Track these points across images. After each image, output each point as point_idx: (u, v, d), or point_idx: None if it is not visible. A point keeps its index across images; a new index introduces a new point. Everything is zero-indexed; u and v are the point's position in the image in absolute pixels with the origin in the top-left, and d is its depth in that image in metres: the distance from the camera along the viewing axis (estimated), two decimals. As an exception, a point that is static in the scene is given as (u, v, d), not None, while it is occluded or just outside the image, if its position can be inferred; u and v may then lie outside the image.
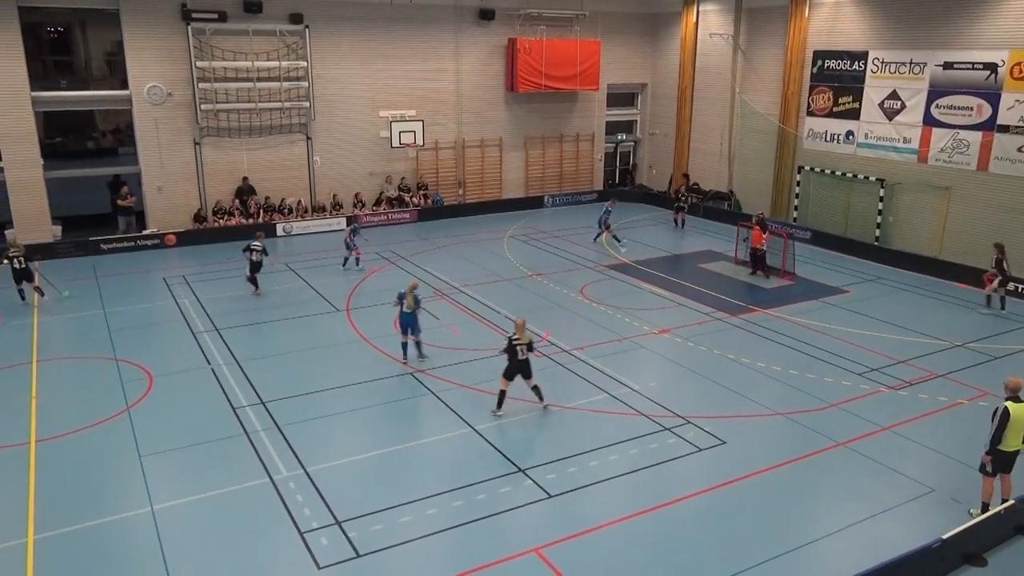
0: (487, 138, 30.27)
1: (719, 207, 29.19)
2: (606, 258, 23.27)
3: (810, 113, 26.12)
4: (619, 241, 24.21)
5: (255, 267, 19.44)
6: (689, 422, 12.81)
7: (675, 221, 27.48)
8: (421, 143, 28.14)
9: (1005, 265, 18.30)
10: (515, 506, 10.45)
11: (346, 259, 21.85)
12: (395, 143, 27.67)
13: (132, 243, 24.13)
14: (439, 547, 9.65)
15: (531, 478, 11.10)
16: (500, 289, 20.10)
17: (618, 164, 34.58)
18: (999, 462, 9.92)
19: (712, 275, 21.30)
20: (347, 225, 21.02)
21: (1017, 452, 9.93)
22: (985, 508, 9.94)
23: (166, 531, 9.85)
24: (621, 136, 33.87)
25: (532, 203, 31.13)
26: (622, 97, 33.52)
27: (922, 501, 10.50)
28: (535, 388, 13.11)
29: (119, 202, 24.68)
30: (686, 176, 31.29)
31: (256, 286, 19.55)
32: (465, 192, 30.32)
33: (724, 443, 12.16)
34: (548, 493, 10.73)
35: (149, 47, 24.10)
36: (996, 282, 18.33)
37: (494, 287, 20.30)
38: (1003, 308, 18.51)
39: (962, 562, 9.25)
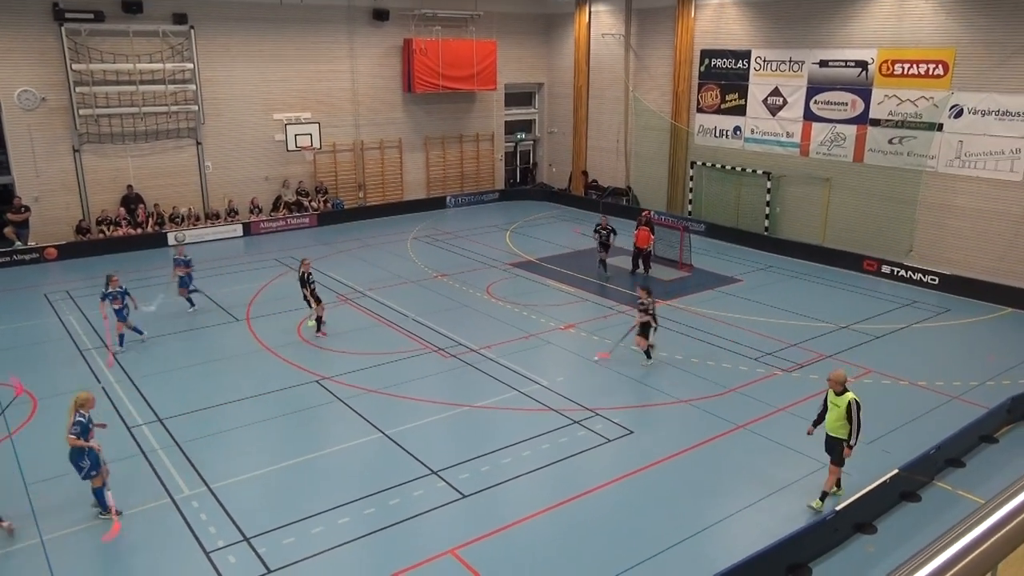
0: (386, 139, 29.95)
1: (618, 203, 29.91)
2: (510, 256, 23.45)
3: (700, 110, 27.11)
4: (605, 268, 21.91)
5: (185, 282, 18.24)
6: (597, 414, 13.08)
7: (601, 264, 21.52)
8: (318, 146, 27.58)
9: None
10: (429, 508, 10.40)
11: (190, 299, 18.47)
12: (291, 146, 27.00)
13: (8, 258, 22.58)
14: (354, 556, 9.50)
15: (444, 479, 11.07)
16: (406, 291, 19.94)
17: (519, 163, 34.91)
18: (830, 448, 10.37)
19: (613, 269, 21.79)
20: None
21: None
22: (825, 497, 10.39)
23: (58, 563, 9.28)
24: (520, 135, 34.20)
25: (434, 204, 31.02)
26: (520, 96, 33.86)
27: (817, 476, 11.08)
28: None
29: (10, 216, 23.01)
30: (584, 174, 31.92)
31: (192, 303, 18.39)
32: (366, 195, 29.90)
33: (631, 433, 12.48)
34: (462, 493, 10.73)
35: (18, 49, 22.61)
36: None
37: (400, 289, 20.12)
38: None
39: (854, 531, 9.82)
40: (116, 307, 15.71)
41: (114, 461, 11.51)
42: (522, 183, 34.76)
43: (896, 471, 10.42)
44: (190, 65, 24.90)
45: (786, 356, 15.66)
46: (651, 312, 14.92)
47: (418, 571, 9.14)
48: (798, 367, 15.12)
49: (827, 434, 10.29)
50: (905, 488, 10.60)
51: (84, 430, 9.74)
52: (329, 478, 11.21)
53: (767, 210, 25.05)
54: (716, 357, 15.58)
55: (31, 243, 23.25)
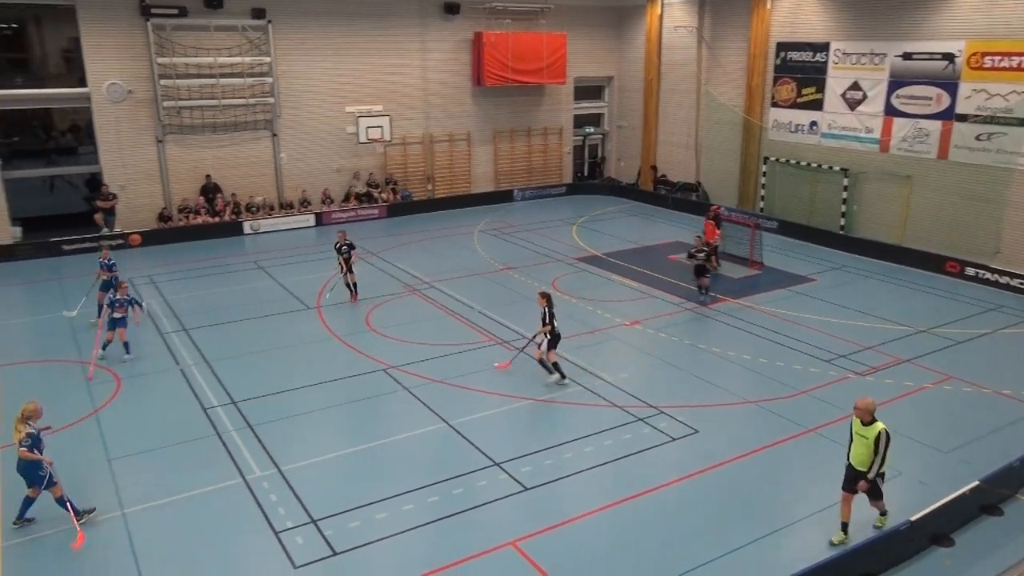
0: (455, 132, 30.17)
1: (687, 198, 29.44)
2: (576, 251, 23.35)
3: (774, 104, 26.44)
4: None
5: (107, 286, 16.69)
6: (662, 412, 12.93)
7: (700, 289, 18.74)
8: (389, 138, 27.98)
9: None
10: (491, 500, 10.47)
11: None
12: (362, 139, 27.46)
13: (96, 243, 23.64)
14: (416, 542, 9.64)
15: (506, 471, 11.12)
16: (472, 283, 20.08)
17: (587, 157, 34.70)
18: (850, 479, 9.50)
19: (681, 266, 21.45)
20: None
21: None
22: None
23: (138, 535, 9.71)
24: (589, 129, 33.99)
25: (501, 197, 31.11)
26: (589, 90, 33.62)
27: (890, 485, 10.69)
28: None
29: (99, 203, 24.14)
30: (653, 168, 31.53)
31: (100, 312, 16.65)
32: (434, 187, 30.20)
33: (696, 432, 12.29)
34: (524, 486, 10.77)
35: (107, 43, 23.61)
36: None
37: (465, 281, 20.27)
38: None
39: (930, 543, 9.46)
40: (119, 315, 15.02)
41: (191, 441, 12.01)
42: (590, 177, 34.55)
43: (977, 483, 9.99)
44: (267, 59, 25.57)
45: (860, 359, 15.16)
46: (706, 255, 16.65)
47: (480, 561, 9.22)
48: (873, 371, 14.63)
49: (849, 465, 9.38)
50: (986, 501, 10.16)
51: (35, 442, 9.57)
52: (394, 465, 11.39)
53: (843, 208, 24.27)
54: (786, 358, 15.21)
55: (117, 229, 24.30)
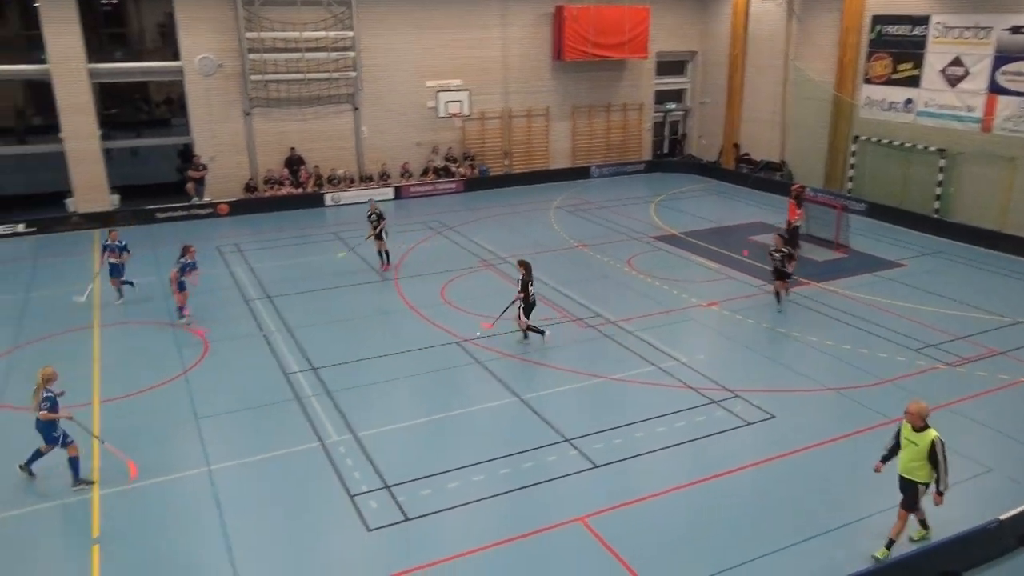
0: (534, 108, 30.03)
1: (771, 177, 28.58)
2: (653, 229, 23.01)
3: (867, 81, 25.28)
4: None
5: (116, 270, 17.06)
6: (737, 396, 12.69)
7: (776, 296, 16.64)
8: (467, 113, 28.07)
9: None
10: (561, 475, 10.51)
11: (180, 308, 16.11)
12: (441, 113, 27.65)
13: (186, 212, 24.67)
14: (486, 513, 9.78)
15: (577, 448, 11.14)
16: (546, 260, 20.05)
17: (667, 134, 34.04)
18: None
19: (762, 247, 20.88)
20: (180, 257, 15.88)
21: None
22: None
23: (223, 490, 10.17)
24: (670, 105, 33.29)
25: (579, 173, 30.88)
26: (671, 65, 32.85)
27: (979, 481, 10.26)
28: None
29: (190, 173, 25.16)
30: (736, 146, 30.69)
31: (120, 293, 17.22)
32: (511, 162, 30.20)
33: (773, 417, 12.02)
34: (594, 463, 10.77)
35: (200, 18, 24.38)
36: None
37: (540, 257, 20.23)
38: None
39: (1018, 544, 9.03)
40: (113, 261, 16.60)
41: (272, 404, 12.46)
42: (670, 155, 33.90)
43: (1074, 483, 9.45)
44: (351, 33, 25.94)
45: (951, 349, 14.49)
46: (785, 258, 15.12)
47: (548, 535, 9.29)
48: (965, 362, 13.97)
49: (900, 476, 8.74)
50: (1083, 502, 9.60)
51: (52, 404, 10.04)
52: (466, 437, 11.56)
53: (938, 190, 23.08)
54: (870, 345, 14.67)
55: (207, 199, 25.24)
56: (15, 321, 16.06)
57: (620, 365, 13.87)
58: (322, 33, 25.61)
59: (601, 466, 10.71)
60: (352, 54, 26.16)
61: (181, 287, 15.69)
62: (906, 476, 8.70)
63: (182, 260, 15.76)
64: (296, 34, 25.27)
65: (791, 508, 9.81)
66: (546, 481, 10.37)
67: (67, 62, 23.08)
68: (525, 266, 14.46)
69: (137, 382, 13.22)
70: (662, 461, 10.91)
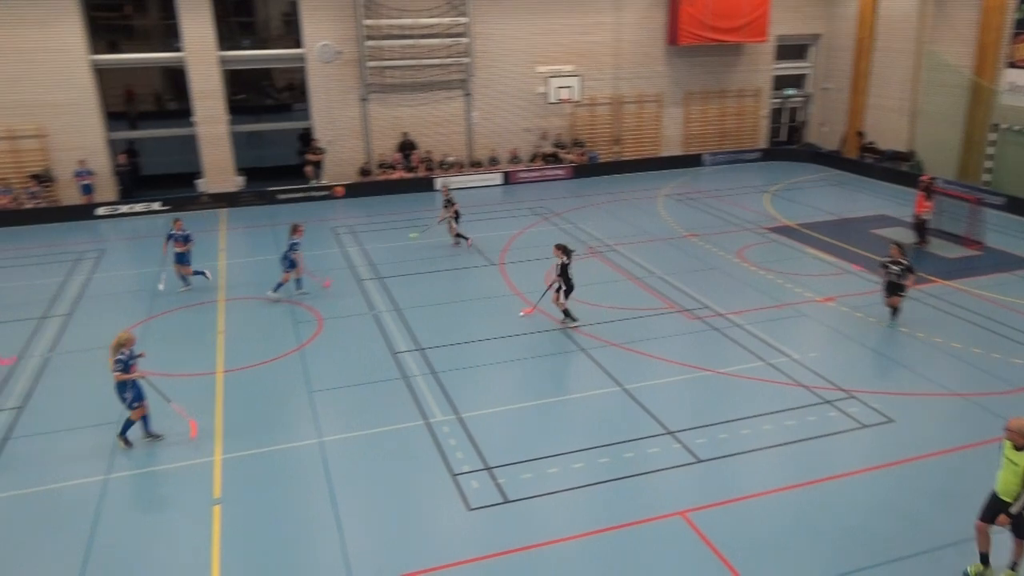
0: (645, 93, 29.52)
1: (897, 168, 27.01)
2: (767, 220, 22.23)
3: (1012, 64, 23.40)
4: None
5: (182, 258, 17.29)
6: (853, 396, 12.12)
7: (892, 311, 14.94)
8: (578, 99, 27.90)
9: None
10: (663, 467, 10.37)
11: (280, 284, 16.66)
12: (552, 99, 27.59)
13: (304, 194, 25.72)
14: (585, 500, 9.78)
15: (680, 441, 10.95)
16: (654, 248, 19.75)
17: (785, 121, 32.72)
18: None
19: (886, 242, 19.81)
20: (290, 237, 16.45)
21: None
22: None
23: (332, 461, 10.60)
24: (790, 91, 31.95)
25: (690, 161, 30.17)
26: (792, 49, 31.49)
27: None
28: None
29: (309, 156, 26.26)
30: (860, 135, 29.16)
31: (186, 282, 17.43)
32: (621, 149, 29.84)
33: (891, 421, 11.42)
34: (697, 457, 10.56)
35: (321, 6, 25.26)
36: None
37: (648, 246, 19.97)
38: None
39: None
40: (179, 250, 17.04)
41: (380, 382, 12.86)
42: (788, 143, 32.59)
43: None
44: (465, 20, 26.24)
45: (1097, 357, 13.33)
46: (905, 271, 14.08)
47: (647, 527, 9.20)
48: (1112, 372, 12.82)
49: (994, 494, 8.06)
50: None
51: (125, 366, 10.66)
52: (567, 423, 11.57)
53: (1089, 184, 21.20)
54: (1004, 349, 13.67)
55: (324, 181, 26.23)
56: (150, 293, 17.24)
57: (727, 359, 13.52)
58: (437, 20, 26.03)
59: (704, 461, 10.49)
60: (466, 40, 26.47)
61: (291, 265, 16.37)
62: (1003, 498, 7.97)
63: (291, 239, 16.42)
64: (412, 21, 25.79)
65: (906, 518, 9.30)
66: (647, 473, 10.26)
67: (200, 50, 24.46)
68: (565, 251, 14.54)
69: (256, 355, 13.93)
70: (769, 460, 10.58)
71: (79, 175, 23.98)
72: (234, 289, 17.47)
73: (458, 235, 20.13)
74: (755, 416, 11.59)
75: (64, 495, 10.05)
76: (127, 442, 10.98)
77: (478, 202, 25.08)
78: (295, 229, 16.51)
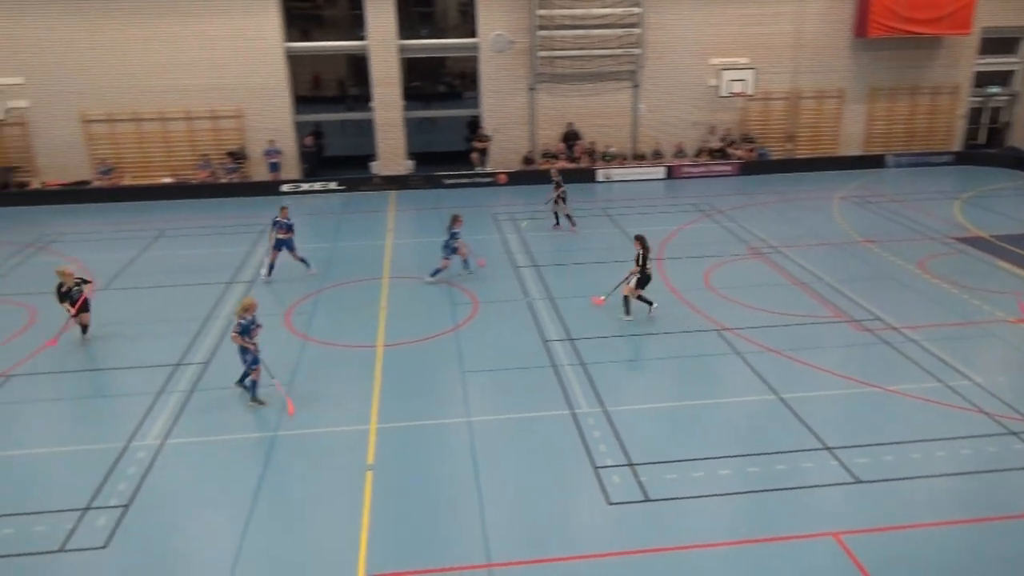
0: (825, 88, 27.87)
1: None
2: (956, 229, 20.37)
3: None
4: None
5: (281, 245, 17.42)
6: (1045, 429, 10.91)
7: None
8: (751, 92, 26.79)
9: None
10: (816, 484, 9.82)
11: (439, 270, 17.20)
12: (723, 92, 26.68)
13: (470, 180, 26.47)
14: (730, 508, 9.45)
15: (838, 458, 10.31)
16: (824, 253, 18.66)
17: (985, 121, 29.78)
18: None
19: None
20: (450, 227, 16.95)
21: None
22: None
23: (479, 440, 10.89)
24: (993, 88, 29.02)
25: (871, 162, 28.20)
26: (999, 43, 28.57)
27: None
28: None
29: (476, 143, 27.07)
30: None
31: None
32: (795, 146, 28.37)
33: (1090, 461, 10.17)
34: (856, 478, 9.91)
35: (499, -3, 25.83)
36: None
37: (817, 250, 18.89)
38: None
39: None
40: (281, 236, 17.27)
41: (529, 368, 13.04)
42: (987, 146, 29.66)
43: None
44: (638, 10, 25.88)
45: None
46: None
47: (794, 544, 8.76)
48: None
49: None
50: None
51: (244, 331, 11.45)
52: (717, 427, 11.22)
53: None
54: None
55: (488, 168, 26.87)
56: (322, 267, 18.40)
57: (899, 376, 12.56)
58: (610, 10, 25.86)
59: (865, 482, 9.82)
60: (638, 31, 26.12)
61: (451, 252, 16.93)
62: None
63: (452, 229, 16.94)
64: (585, 11, 25.77)
65: (1103, 572, 8.28)
66: (799, 487, 9.76)
67: (382, 39, 25.72)
68: (642, 241, 14.63)
69: (414, 332, 14.54)
70: (939, 489, 9.74)
71: (268, 154, 25.99)
72: (398, 268, 18.31)
73: (567, 216, 20.77)
74: (926, 440, 10.71)
75: (239, 445, 11.00)
76: (259, 401, 11.85)
77: (638, 195, 24.77)
78: (455, 220, 17.04)
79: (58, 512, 9.45)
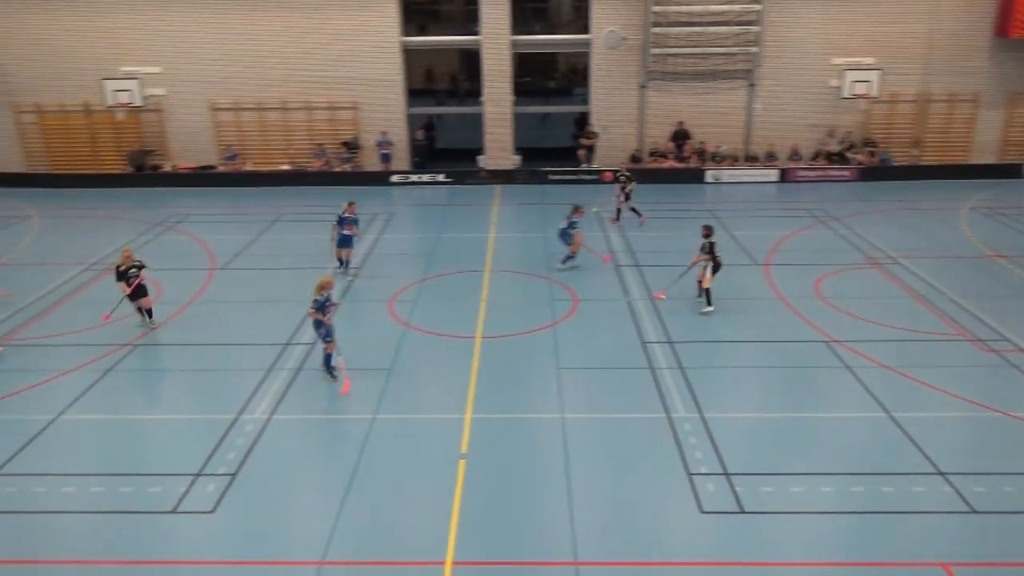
0: (959, 91, 26.16)
1: None
2: (1101, 247, 18.76)
3: None
4: None
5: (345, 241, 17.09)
6: None
7: None
8: (876, 95, 25.48)
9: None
10: (926, 511, 9.27)
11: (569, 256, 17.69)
12: (845, 93, 25.48)
13: (575, 176, 26.39)
14: (830, 528, 9.06)
15: (952, 484, 9.70)
16: (948, 266, 17.56)
17: None
18: None
19: None
20: (570, 215, 17.39)
21: None
22: None
23: (571, 437, 10.86)
24: None
25: (1006, 171, 26.30)
26: None
27: None
28: None
29: (583, 140, 27.01)
30: None
31: (344, 264, 17.39)
32: (921, 152, 26.80)
33: None
34: (972, 508, 9.29)
35: (613, -7, 25.59)
36: None
37: (940, 263, 17.80)
38: None
39: None
40: (347, 233, 16.94)
41: (626, 369, 12.90)
42: None
43: None
44: (758, 7, 25.06)
45: None
46: None
47: (899, 571, 8.32)
48: None
49: None
50: None
51: (320, 307, 12.10)
52: (820, 442, 10.77)
53: None
54: None
55: (594, 166, 26.70)
56: (426, 257, 18.81)
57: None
58: (728, 7, 25.16)
59: (981, 513, 9.20)
60: (756, 28, 25.30)
61: (569, 240, 17.28)
62: None
63: (571, 218, 17.27)
64: (702, 8, 25.17)
65: None
66: (907, 512, 9.24)
67: (495, 34, 25.94)
68: (711, 230, 15.20)
69: (513, 325, 14.64)
70: (1067, 527, 9.02)
71: (380, 144, 26.73)
72: (499, 261, 18.47)
73: (632, 208, 21.01)
74: (1054, 473, 9.93)
75: (340, 425, 11.41)
76: (332, 373, 12.52)
77: (748, 198, 24.05)
78: (576, 210, 17.53)
79: (173, 475, 10.07)
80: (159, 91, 26.41)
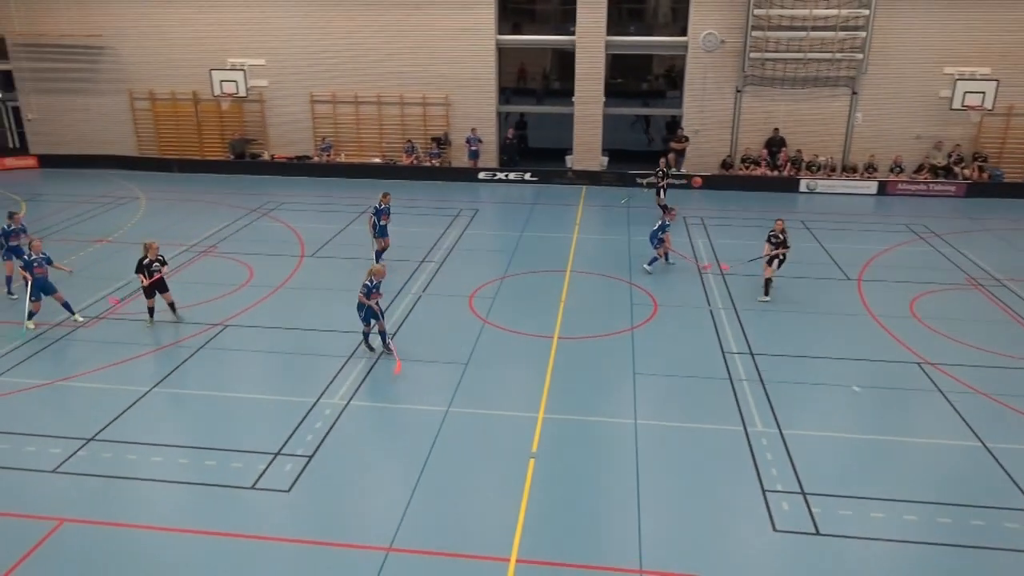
0: (1085, 105, 24.52)
1: None
2: None
3: None
4: None
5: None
6: None
7: None
8: (990, 107, 24.13)
9: None
10: (1019, 548, 8.72)
11: (655, 259, 17.74)
12: (956, 104, 24.23)
13: (656, 179, 25.93)
14: (913, 559, 8.64)
15: (1050, 524, 9.11)
16: (1059, 292, 16.50)
17: None
18: None
19: None
20: (662, 218, 17.83)
21: None
22: None
23: (643, 444, 10.72)
24: None
25: None
26: None
27: None
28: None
29: (672, 144, 26.64)
30: None
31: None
32: (1036, 170, 25.25)
33: None
34: (1071, 549, 8.70)
35: (713, -5, 25.08)
36: None
37: (1051, 288, 16.75)
38: None
39: None
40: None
41: (704, 378, 12.65)
42: None
43: None
44: (866, 12, 24.10)
45: None
46: None
47: (986, 611, 7.86)
48: None
49: None
50: None
51: (368, 292, 12.81)
52: (905, 468, 10.29)
53: None
54: None
55: (683, 170, 26.25)
56: (508, 254, 18.91)
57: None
58: (834, 11, 24.29)
59: (1081, 556, 8.61)
60: (862, 34, 24.34)
61: (659, 243, 17.48)
62: None
63: (663, 221, 17.53)
64: (806, 11, 24.40)
65: None
66: (998, 549, 8.72)
67: (590, 34, 25.84)
68: (784, 224, 15.91)
69: (591, 328, 14.56)
70: None
71: (469, 141, 27.03)
72: (581, 262, 18.41)
73: (661, 205, 21.25)
74: None
75: (414, 415, 11.60)
76: (370, 347, 13.47)
77: (844, 210, 23.18)
78: (668, 212, 17.97)
79: (254, 453, 10.47)
80: (262, 82, 27.49)
